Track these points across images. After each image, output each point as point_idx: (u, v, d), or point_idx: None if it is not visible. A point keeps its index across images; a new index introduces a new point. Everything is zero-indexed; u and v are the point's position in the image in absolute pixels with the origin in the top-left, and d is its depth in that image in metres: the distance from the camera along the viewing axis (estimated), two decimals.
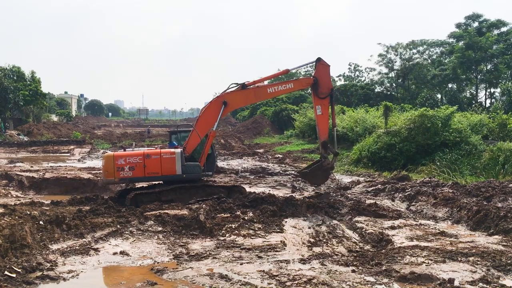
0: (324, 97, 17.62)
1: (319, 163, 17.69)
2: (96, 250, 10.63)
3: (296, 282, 8.42)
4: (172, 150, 16.11)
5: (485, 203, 14.16)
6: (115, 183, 16.52)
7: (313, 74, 18.03)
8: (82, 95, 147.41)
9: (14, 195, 18.10)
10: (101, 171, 16.39)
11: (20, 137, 50.42)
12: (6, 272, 8.63)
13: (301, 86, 19.28)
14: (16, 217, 10.83)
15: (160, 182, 16.23)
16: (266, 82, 18.45)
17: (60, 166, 26.82)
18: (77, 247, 10.71)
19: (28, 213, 11.96)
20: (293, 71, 21.46)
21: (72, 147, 41.83)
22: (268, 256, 10.12)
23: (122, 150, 16.43)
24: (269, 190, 18.77)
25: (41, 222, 11.61)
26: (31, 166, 26.06)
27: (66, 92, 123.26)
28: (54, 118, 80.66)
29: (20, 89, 57.20)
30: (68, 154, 37.43)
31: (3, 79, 54.50)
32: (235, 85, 17.27)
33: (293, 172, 24.70)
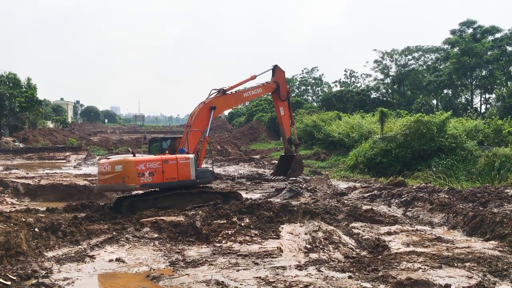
0: (284, 99, 20.74)
1: (294, 158, 20.53)
2: (92, 257, 10.57)
3: None
4: (186, 155, 15.98)
5: (481, 208, 14.21)
6: (136, 189, 15.71)
7: (272, 80, 21.17)
8: (78, 102, 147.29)
9: (10, 202, 18.00)
10: (106, 176, 14.90)
11: (16, 143, 50.29)
12: (1, 280, 8.57)
13: (267, 90, 22.06)
14: (11, 224, 10.79)
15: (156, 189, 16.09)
16: (242, 86, 21.54)
17: (55, 172, 26.73)
18: (72, 254, 10.65)
19: (24, 220, 11.91)
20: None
21: (68, 153, 41.74)
22: (265, 262, 10.09)
23: (132, 154, 15.74)
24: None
25: (36, 229, 11.57)
26: (27, 173, 25.97)
27: (62, 99, 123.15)
28: (50, 124, 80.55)
29: (16, 95, 57.07)
30: (64, 161, 37.35)
31: None
32: (215, 90, 19.36)
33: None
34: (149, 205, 15.10)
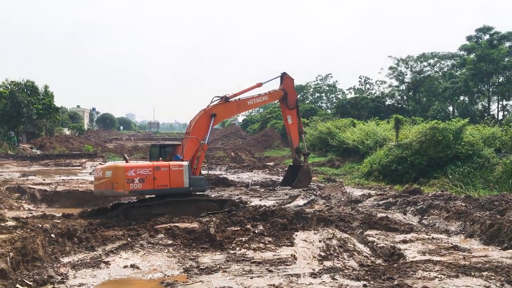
0: (292, 107, 20.23)
1: (301, 169, 20.11)
2: (107, 263, 10.65)
3: None
4: (180, 162, 15.92)
5: (498, 216, 13.98)
6: (125, 196, 15.79)
7: (280, 87, 20.52)
8: (94, 109, 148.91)
9: (26, 208, 18.24)
10: (98, 182, 15.05)
11: (33, 150, 51.00)
12: (17, 285, 8.68)
13: (273, 98, 21.46)
14: (28, 230, 10.93)
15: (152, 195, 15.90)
16: (245, 94, 20.88)
17: (72, 179, 27.02)
18: (88, 260, 10.75)
19: (40, 226, 12.07)
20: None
21: (83, 160, 42.16)
22: (279, 270, 10.06)
23: (125, 161, 15.73)
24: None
25: (52, 235, 11.70)
26: (43, 179, 26.28)
27: (78, 106, 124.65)
28: (67, 131, 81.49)
29: (34, 103, 57.96)
30: (80, 167, 37.71)
31: (17, 93, 55.33)
32: (218, 98, 19.02)
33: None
34: (143, 212, 15.05)
